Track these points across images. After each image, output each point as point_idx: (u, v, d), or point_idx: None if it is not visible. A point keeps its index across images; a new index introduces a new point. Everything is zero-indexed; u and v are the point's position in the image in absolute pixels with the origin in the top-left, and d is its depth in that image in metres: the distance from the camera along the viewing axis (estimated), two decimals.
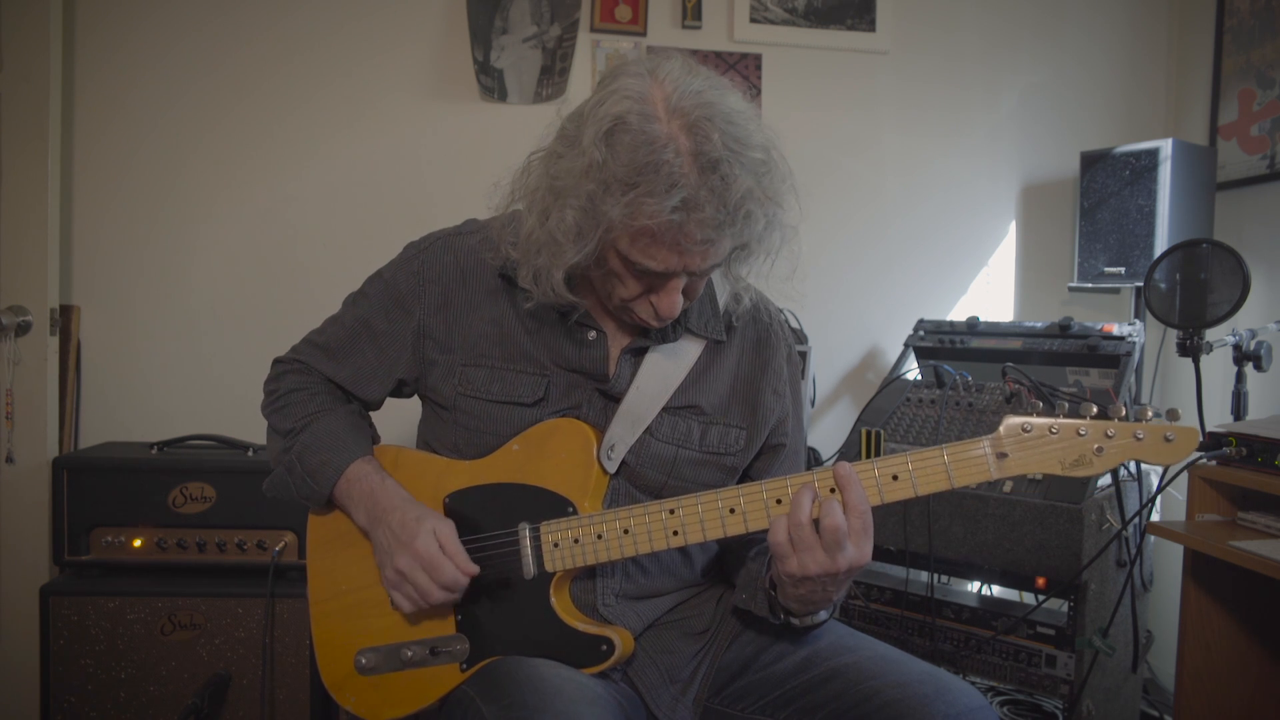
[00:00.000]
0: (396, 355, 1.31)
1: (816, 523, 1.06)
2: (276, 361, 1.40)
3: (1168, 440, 1.03)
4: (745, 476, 1.35)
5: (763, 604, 1.22)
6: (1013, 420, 1.06)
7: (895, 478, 1.08)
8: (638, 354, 1.26)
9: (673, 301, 1.13)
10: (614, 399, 1.25)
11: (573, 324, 1.24)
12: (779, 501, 1.12)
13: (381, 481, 1.26)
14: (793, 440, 1.37)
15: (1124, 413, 1.04)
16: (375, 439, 1.38)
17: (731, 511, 1.14)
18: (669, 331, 1.25)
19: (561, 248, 1.09)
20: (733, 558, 1.36)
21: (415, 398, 1.38)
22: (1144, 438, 1.03)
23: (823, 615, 1.20)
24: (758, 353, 1.33)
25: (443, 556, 1.17)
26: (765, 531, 1.13)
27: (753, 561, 1.29)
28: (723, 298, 1.30)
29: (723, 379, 1.30)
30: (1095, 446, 1.04)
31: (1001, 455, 1.06)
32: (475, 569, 1.19)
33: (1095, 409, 1.05)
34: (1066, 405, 1.06)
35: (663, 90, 1.05)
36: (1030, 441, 1.06)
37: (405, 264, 1.31)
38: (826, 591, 1.11)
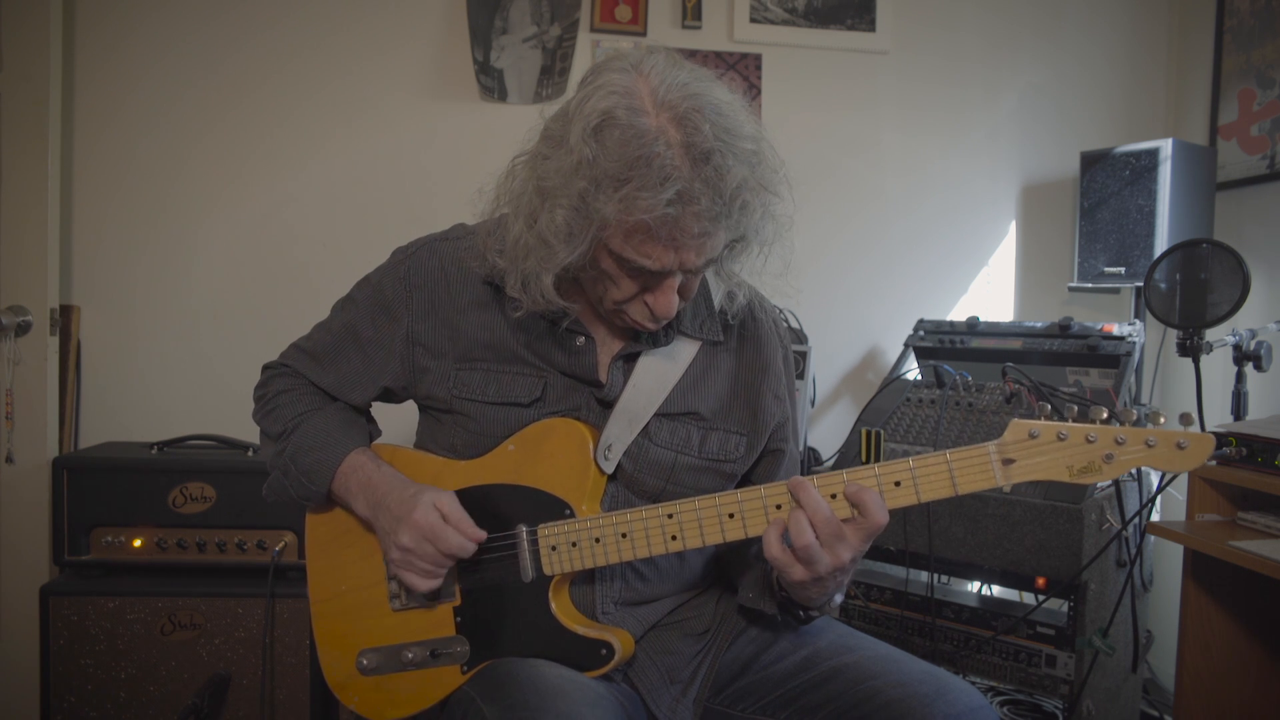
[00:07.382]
0: (383, 363, 1.29)
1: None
2: (265, 368, 1.39)
3: (1180, 447, 0.98)
4: (745, 481, 1.34)
5: (772, 605, 1.23)
6: (1019, 424, 1.01)
7: (898, 484, 1.07)
8: (630, 360, 1.24)
9: (669, 301, 1.11)
10: (609, 405, 1.23)
11: (563, 331, 1.22)
12: (779, 507, 1.11)
13: (378, 469, 1.24)
14: (791, 446, 1.35)
15: (1135, 417, 0.99)
16: (375, 433, 1.37)
17: (731, 517, 1.13)
18: (661, 335, 1.23)
19: (552, 249, 1.07)
20: (735, 559, 1.35)
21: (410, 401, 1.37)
22: (1156, 444, 0.98)
23: (838, 599, 1.19)
24: (757, 355, 1.31)
25: (445, 525, 1.16)
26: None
27: (757, 562, 1.28)
28: (717, 297, 1.27)
29: (721, 383, 1.28)
30: (1105, 453, 0.99)
31: (1008, 461, 1.02)
32: (481, 534, 1.17)
33: (1105, 413, 1.00)
34: (1075, 409, 1.01)
35: (649, 84, 1.03)
36: (1037, 447, 1.01)
37: (392, 270, 1.29)
38: (838, 580, 1.12)
